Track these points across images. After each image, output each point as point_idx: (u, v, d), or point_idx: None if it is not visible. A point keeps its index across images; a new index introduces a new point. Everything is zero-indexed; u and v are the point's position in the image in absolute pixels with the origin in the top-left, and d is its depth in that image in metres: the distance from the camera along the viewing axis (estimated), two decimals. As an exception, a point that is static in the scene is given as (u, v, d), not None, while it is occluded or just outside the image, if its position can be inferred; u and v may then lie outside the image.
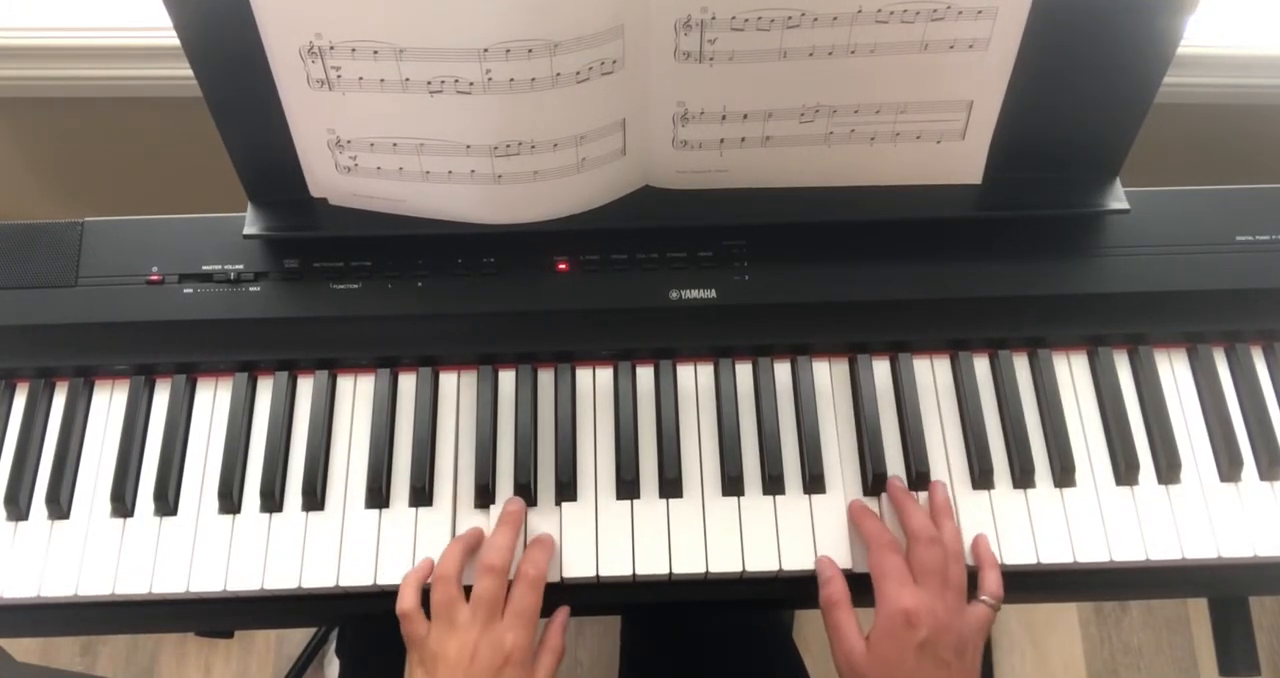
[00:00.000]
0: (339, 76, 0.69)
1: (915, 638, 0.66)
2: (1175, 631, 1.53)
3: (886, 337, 0.80)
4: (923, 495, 0.75)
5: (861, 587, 0.71)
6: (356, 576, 0.73)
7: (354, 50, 0.67)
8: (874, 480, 0.76)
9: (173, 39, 0.68)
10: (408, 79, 0.68)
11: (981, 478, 0.76)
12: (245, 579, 0.73)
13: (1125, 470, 0.76)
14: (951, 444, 0.78)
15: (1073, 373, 0.80)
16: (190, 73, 0.70)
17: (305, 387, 0.80)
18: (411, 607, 0.69)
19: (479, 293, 0.78)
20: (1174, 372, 0.80)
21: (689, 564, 0.73)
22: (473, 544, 0.73)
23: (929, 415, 0.78)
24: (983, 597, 0.70)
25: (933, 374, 0.80)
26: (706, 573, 0.73)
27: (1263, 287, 0.79)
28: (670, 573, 0.73)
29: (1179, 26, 0.69)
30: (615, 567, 0.73)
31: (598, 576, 0.73)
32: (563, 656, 0.71)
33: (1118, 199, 0.79)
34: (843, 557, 0.73)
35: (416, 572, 0.72)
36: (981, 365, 0.80)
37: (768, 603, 0.91)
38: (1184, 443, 0.77)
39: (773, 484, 0.76)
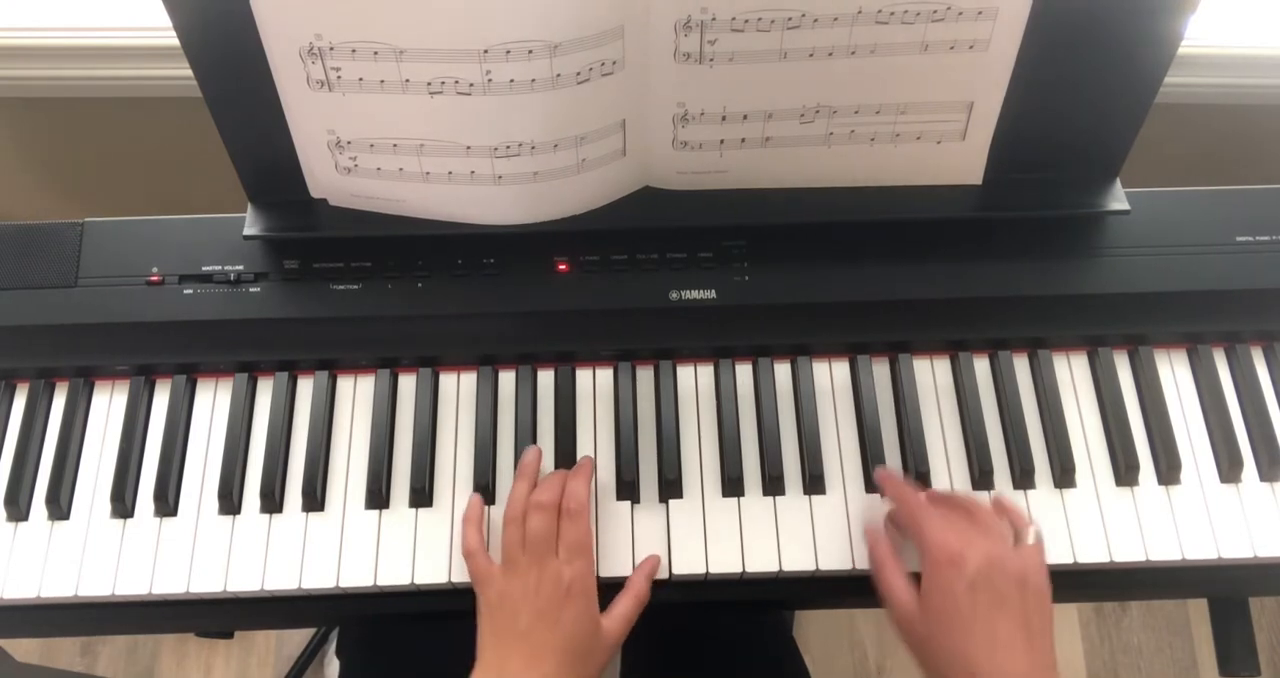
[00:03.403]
0: (339, 77, 0.69)
1: (964, 577, 0.62)
2: (1175, 631, 1.53)
3: (886, 337, 0.80)
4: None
5: (868, 587, 0.71)
6: (356, 576, 0.73)
7: (354, 51, 0.67)
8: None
9: (173, 39, 0.68)
10: (408, 80, 0.68)
11: (981, 478, 0.76)
12: (245, 580, 0.73)
13: (1125, 471, 0.76)
14: (951, 445, 0.78)
15: (1073, 373, 0.80)
16: (190, 73, 0.70)
17: (305, 387, 0.80)
18: (476, 545, 0.71)
19: (479, 293, 0.78)
20: (1174, 372, 0.80)
21: (689, 565, 0.73)
22: (535, 473, 0.74)
23: (929, 416, 0.78)
24: (1027, 538, 0.67)
25: (933, 374, 0.80)
26: (706, 574, 0.73)
27: (1263, 287, 0.79)
28: (670, 574, 0.73)
29: (1179, 26, 0.69)
30: (615, 567, 0.73)
31: (598, 576, 0.73)
32: (646, 602, 0.71)
33: (1118, 200, 0.79)
34: (843, 557, 0.73)
35: (473, 511, 0.73)
36: (981, 366, 0.80)
37: (768, 604, 0.91)
38: (1184, 443, 0.77)
39: (773, 485, 0.76)
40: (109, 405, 0.80)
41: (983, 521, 0.67)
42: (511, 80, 0.68)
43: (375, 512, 0.75)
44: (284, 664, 1.49)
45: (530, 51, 0.66)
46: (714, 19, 0.67)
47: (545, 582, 0.68)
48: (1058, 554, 0.73)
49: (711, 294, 0.78)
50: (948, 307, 0.79)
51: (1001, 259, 0.79)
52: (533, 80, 0.68)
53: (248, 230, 0.78)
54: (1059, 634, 1.53)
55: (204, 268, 0.79)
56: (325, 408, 0.79)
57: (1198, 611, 1.53)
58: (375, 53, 0.67)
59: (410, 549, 0.74)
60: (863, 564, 0.72)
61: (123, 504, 0.76)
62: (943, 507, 0.70)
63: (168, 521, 0.75)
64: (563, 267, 0.79)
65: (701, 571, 0.73)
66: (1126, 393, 0.79)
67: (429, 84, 0.68)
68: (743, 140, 0.75)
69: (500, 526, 0.72)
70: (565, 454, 0.77)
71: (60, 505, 0.76)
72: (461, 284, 0.78)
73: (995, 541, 0.65)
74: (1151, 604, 1.55)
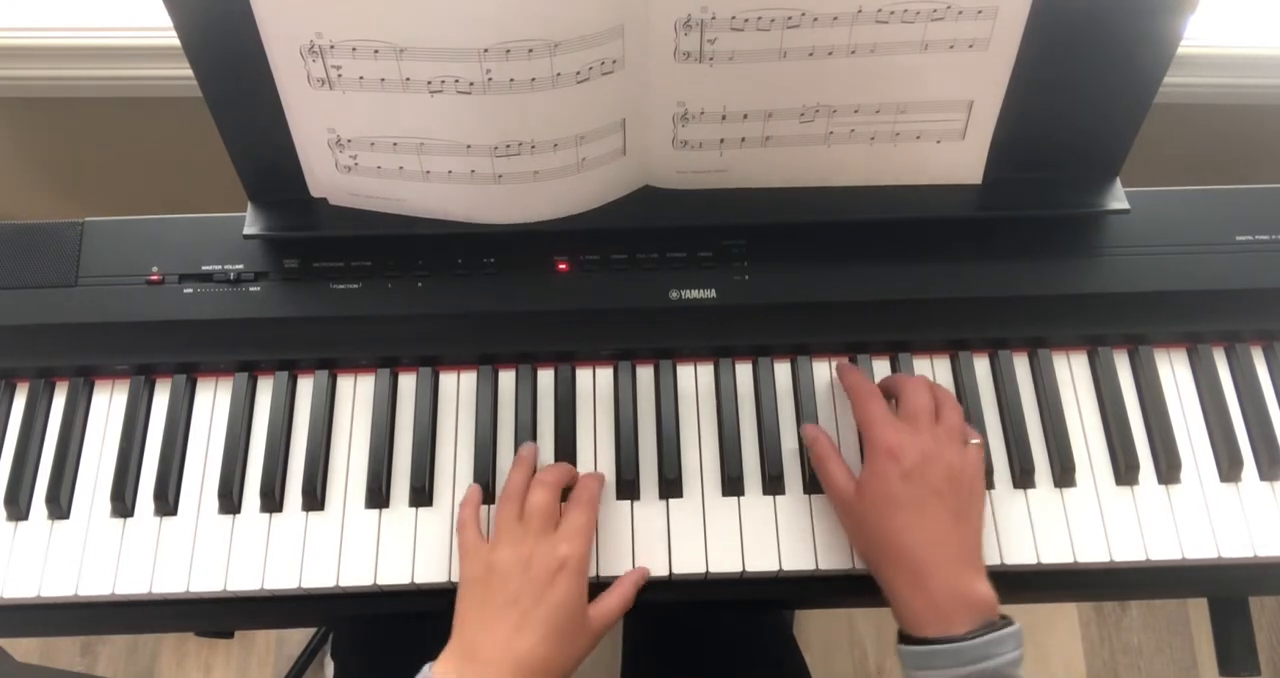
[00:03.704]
0: (339, 76, 0.69)
1: (899, 469, 0.67)
2: (1175, 631, 1.53)
3: (886, 337, 0.80)
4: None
5: (868, 587, 0.71)
6: (356, 576, 0.73)
7: (354, 49, 0.67)
8: (874, 480, 0.76)
9: (173, 39, 0.68)
10: (408, 79, 0.68)
11: (981, 478, 0.76)
12: (245, 579, 0.73)
13: (1125, 470, 0.76)
14: (951, 444, 0.78)
15: (1073, 373, 0.80)
16: (190, 73, 0.70)
17: (305, 387, 0.80)
18: (469, 518, 0.72)
19: (479, 293, 0.78)
20: (1174, 372, 0.80)
21: (689, 565, 0.73)
22: (533, 464, 0.75)
23: (929, 415, 0.78)
24: (971, 440, 0.71)
25: (933, 374, 0.80)
26: (706, 573, 0.73)
27: (1263, 287, 0.79)
28: (670, 573, 0.73)
29: (1179, 26, 0.69)
30: (615, 567, 0.73)
31: (598, 575, 0.73)
32: (630, 606, 0.71)
33: (1118, 199, 0.79)
34: (843, 557, 0.73)
35: (471, 495, 0.74)
36: (981, 365, 0.80)
37: (768, 603, 0.91)
38: (1184, 443, 0.77)
39: (773, 484, 0.76)
40: (109, 405, 0.80)
41: (940, 415, 0.71)
42: (511, 79, 0.68)
43: (375, 511, 0.75)
44: (284, 664, 1.49)
45: (530, 50, 0.66)
46: (714, 18, 0.67)
47: (540, 553, 0.67)
48: (1058, 554, 0.73)
49: (711, 294, 0.78)
50: (948, 306, 0.79)
51: (1001, 259, 0.79)
52: (533, 79, 0.68)
53: (248, 230, 0.78)
54: (1060, 635, 1.53)
55: (204, 267, 0.79)
56: (325, 407, 0.79)
57: (1198, 611, 1.53)
58: (375, 51, 0.67)
59: (410, 549, 0.74)
60: (863, 564, 0.72)
61: (123, 504, 0.76)
62: (903, 392, 0.72)
63: (168, 520, 0.75)
64: (563, 266, 0.79)
65: (701, 570, 0.73)
66: (1126, 392, 0.79)
67: (429, 83, 0.68)
68: (743, 139, 0.75)
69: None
70: (565, 454, 0.77)
71: (60, 505, 0.76)
72: (461, 284, 0.78)
73: (933, 439, 0.69)
74: (1151, 604, 1.55)
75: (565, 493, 0.74)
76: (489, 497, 0.76)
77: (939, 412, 0.71)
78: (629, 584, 0.72)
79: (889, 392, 0.74)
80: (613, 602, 0.70)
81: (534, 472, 0.74)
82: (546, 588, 0.66)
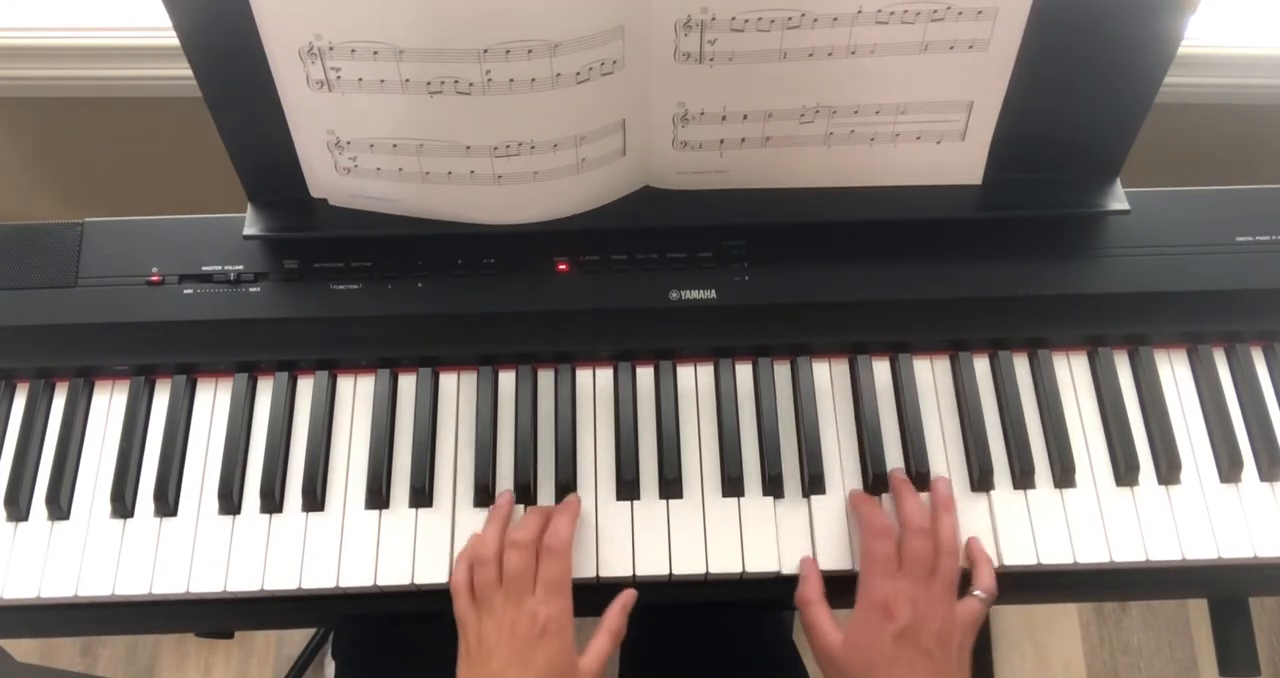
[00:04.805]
0: (339, 77, 0.69)
1: (892, 627, 0.66)
2: (1175, 631, 1.53)
3: (886, 337, 0.80)
4: (926, 496, 0.75)
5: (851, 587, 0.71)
6: (356, 576, 0.73)
7: (354, 51, 0.67)
8: (874, 481, 0.76)
9: (173, 39, 0.68)
10: (407, 80, 0.68)
11: (981, 479, 0.76)
12: (245, 580, 0.73)
13: (1125, 471, 0.76)
14: (951, 445, 0.78)
15: (1073, 373, 0.80)
16: (190, 73, 0.70)
17: (305, 387, 0.80)
18: (463, 583, 0.70)
19: (479, 293, 0.78)
20: (1174, 372, 0.80)
21: (689, 565, 0.73)
22: (508, 516, 0.73)
23: (929, 416, 0.78)
24: (975, 592, 0.70)
25: (933, 374, 0.80)
26: (706, 574, 0.73)
27: (1263, 287, 0.79)
28: (670, 574, 0.73)
29: (1179, 26, 0.69)
30: (615, 567, 0.73)
31: (597, 576, 0.73)
32: (622, 636, 0.70)
33: (1118, 199, 0.79)
34: (842, 557, 0.73)
35: (468, 549, 0.72)
36: (981, 366, 0.80)
37: (767, 604, 0.91)
38: (1184, 443, 0.77)
39: (772, 485, 0.76)
40: (109, 405, 0.80)
41: (937, 567, 0.69)
42: (511, 80, 0.68)
43: (375, 512, 0.75)
44: (284, 664, 1.49)
45: (530, 51, 0.66)
46: (714, 19, 0.67)
47: (521, 621, 0.67)
48: (1058, 555, 0.73)
49: (711, 294, 0.78)
50: (948, 306, 0.79)
51: (1001, 259, 0.79)
52: (532, 80, 0.68)
53: (248, 230, 0.78)
54: (1060, 635, 1.53)
55: (204, 268, 0.79)
56: (325, 408, 0.79)
57: (1198, 611, 1.53)
58: (375, 52, 0.67)
59: (410, 549, 0.74)
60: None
61: (123, 504, 0.76)
62: (905, 536, 0.70)
63: (168, 520, 0.75)
64: (562, 266, 0.79)
65: (701, 570, 0.73)
66: (1126, 393, 0.79)
67: (429, 84, 0.68)
68: (742, 140, 0.75)
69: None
70: (565, 454, 0.77)
71: (60, 505, 0.76)
72: (461, 284, 0.78)
73: (933, 593, 0.68)
74: (1151, 604, 1.55)
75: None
76: (488, 498, 0.76)
77: (937, 560, 0.70)
78: (615, 616, 0.71)
79: (895, 496, 0.74)
80: (602, 644, 0.70)
81: (508, 523, 0.73)
82: (530, 656, 0.66)
